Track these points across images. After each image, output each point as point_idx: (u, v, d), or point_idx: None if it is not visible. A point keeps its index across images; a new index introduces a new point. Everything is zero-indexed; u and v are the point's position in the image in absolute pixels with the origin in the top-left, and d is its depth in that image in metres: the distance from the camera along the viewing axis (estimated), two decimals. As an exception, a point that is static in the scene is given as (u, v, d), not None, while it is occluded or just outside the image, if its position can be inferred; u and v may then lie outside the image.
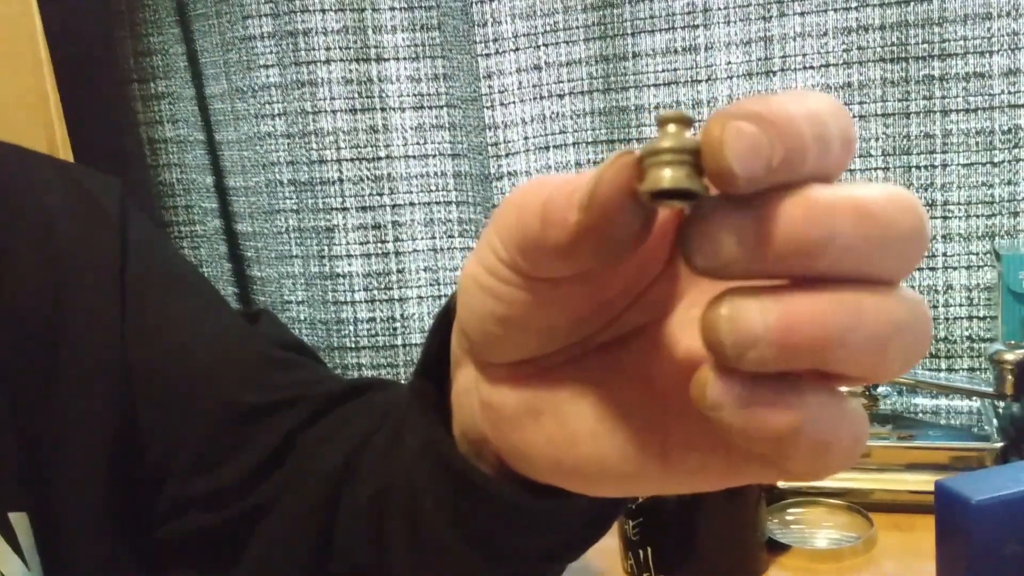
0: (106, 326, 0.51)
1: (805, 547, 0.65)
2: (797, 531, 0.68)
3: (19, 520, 0.48)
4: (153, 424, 0.51)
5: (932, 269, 0.87)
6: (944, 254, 0.87)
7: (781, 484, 0.71)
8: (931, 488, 0.69)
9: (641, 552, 0.62)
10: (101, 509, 0.50)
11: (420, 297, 0.98)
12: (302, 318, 1.01)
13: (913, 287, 0.88)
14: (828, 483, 0.71)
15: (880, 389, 0.78)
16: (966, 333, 0.88)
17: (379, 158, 0.95)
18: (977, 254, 0.86)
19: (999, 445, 0.69)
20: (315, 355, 0.58)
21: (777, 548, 0.65)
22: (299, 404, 0.50)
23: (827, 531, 0.68)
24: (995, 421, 0.72)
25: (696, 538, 0.63)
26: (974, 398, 0.76)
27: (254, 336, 0.54)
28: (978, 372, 0.88)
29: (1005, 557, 0.47)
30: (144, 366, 0.51)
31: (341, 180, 0.95)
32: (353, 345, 0.99)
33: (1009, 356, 0.71)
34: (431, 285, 0.97)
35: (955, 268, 0.87)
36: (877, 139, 0.86)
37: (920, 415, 0.83)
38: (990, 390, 0.73)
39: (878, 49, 0.85)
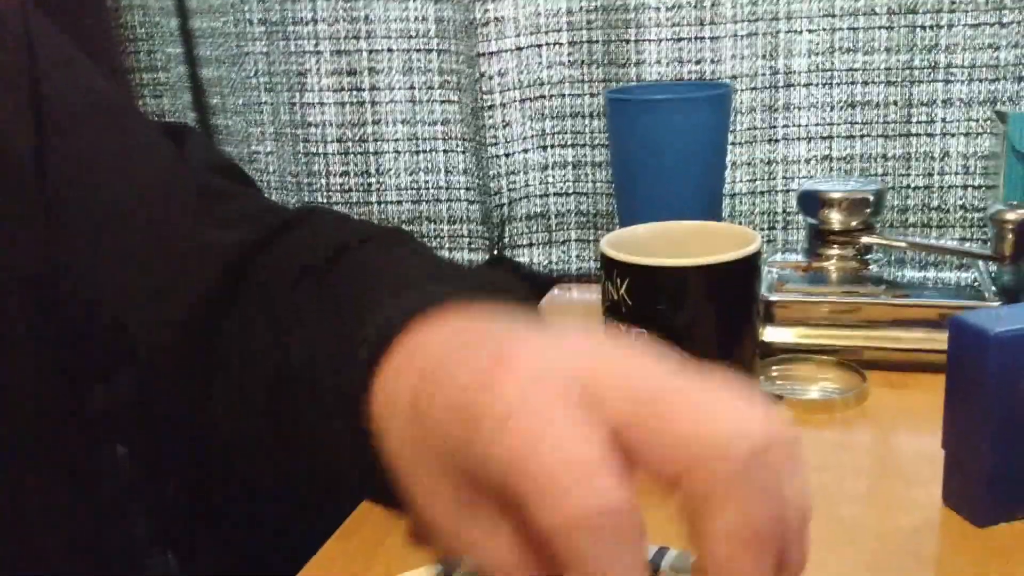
0: (20, 158, 0.45)
1: (797, 398, 0.64)
2: (788, 385, 0.66)
3: None
4: (81, 263, 0.46)
5: (930, 135, 0.85)
6: (943, 119, 0.84)
7: (771, 340, 0.69)
8: (924, 346, 0.68)
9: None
10: (28, 364, 0.47)
11: (397, 152, 0.93)
12: (271, 170, 0.96)
13: (909, 154, 0.85)
14: (819, 340, 0.69)
15: (869, 255, 0.76)
16: (960, 202, 0.86)
17: (357, -2, 0.89)
18: (977, 120, 0.83)
19: (996, 304, 0.67)
20: (247, 177, 0.54)
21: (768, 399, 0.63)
22: (237, 238, 0.47)
23: (818, 385, 0.66)
24: (992, 286, 0.70)
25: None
26: (965, 270, 0.75)
27: (185, 163, 0.50)
28: (969, 243, 0.86)
29: (1021, 392, 0.46)
30: (68, 199, 0.46)
31: (315, 20, 0.89)
32: (325, 200, 0.94)
33: (1010, 216, 0.69)
34: (409, 139, 0.93)
35: (953, 135, 0.84)
36: (883, -6, 0.82)
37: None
38: (988, 252, 0.71)
39: (890, -101, 0.80)
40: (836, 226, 0.74)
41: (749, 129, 0.87)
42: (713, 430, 0.24)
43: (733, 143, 0.86)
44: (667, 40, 0.84)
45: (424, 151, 0.93)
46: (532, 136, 0.90)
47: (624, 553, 0.23)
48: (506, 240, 0.92)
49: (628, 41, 0.85)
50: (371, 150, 0.93)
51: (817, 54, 0.84)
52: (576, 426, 0.24)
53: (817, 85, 0.85)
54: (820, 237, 0.75)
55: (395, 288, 0.38)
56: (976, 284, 0.72)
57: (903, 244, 0.75)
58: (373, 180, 0.94)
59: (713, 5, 0.83)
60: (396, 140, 0.93)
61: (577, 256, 0.93)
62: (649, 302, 0.59)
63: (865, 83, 0.84)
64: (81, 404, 0.50)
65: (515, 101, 0.88)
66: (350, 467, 0.35)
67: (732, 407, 0.25)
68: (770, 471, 0.24)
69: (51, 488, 0.49)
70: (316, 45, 0.90)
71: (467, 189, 0.93)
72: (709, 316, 0.59)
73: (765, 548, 0.24)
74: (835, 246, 0.75)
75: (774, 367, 0.68)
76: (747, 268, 0.60)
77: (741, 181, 0.88)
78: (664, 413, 0.24)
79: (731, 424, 0.24)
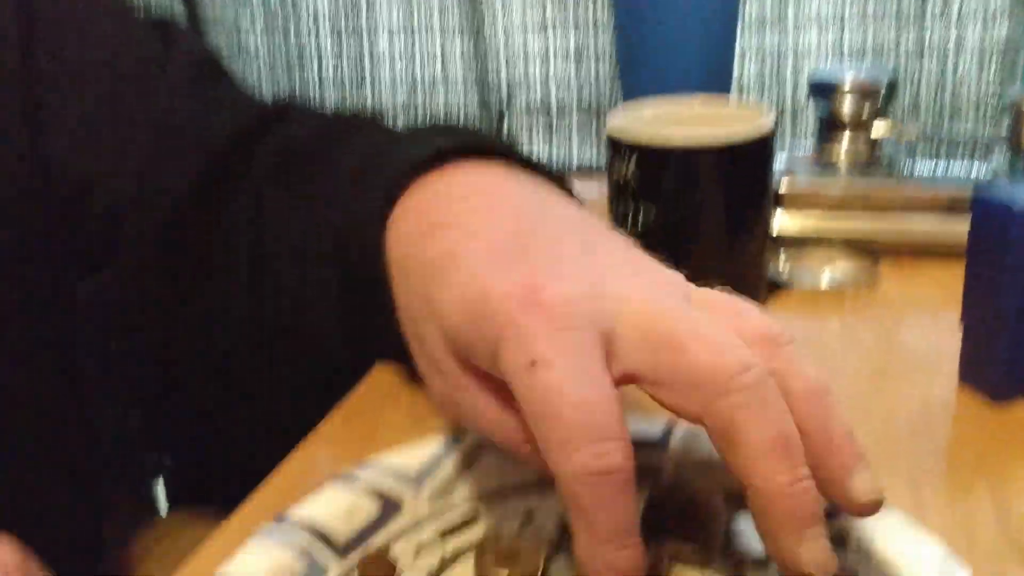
0: (8, 46, 0.45)
1: (807, 286, 0.62)
2: (798, 271, 0.64)
3: None
4: (70, 151, 0.46)
5: (945, 22, 0.81)
6: (960, 5, 0.81)
7: (781, 227, 0.67)
8: (938, 232, 0.66)
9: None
10: (15, 261, 0.46)
11: (391, 39, 0.90)
12: (261, 61, 0.93)
13: (923, 41, 0.82)
14: (829, 226, 0.67)
15: (881, 145, 0.73)
16: (973, 96, 0.83)
17: None
18: (995, 6, 0.80)
19: (1012, 191, 0.65)
20: (230, 73, 0.54)
21: (777, 287, 0.62)
22: (226, 129, 0.47)
23: (829, 271, 0.64)
24: (1008, 176, 0.68)
25: (696, 272, 0.59)
26: (980, 160, 0.72)
27: (172, 57, 0.49)
28: (985, 132, 0.84)
29: (1045, 267, 0.44)
30: (58, 86, 0.46)
31: None
32: (317, 90, 0.92)
33: (1031, 103, 0.66)
34: (404, 27, 0.89)
35: (968, 23, 0.81)
36: None
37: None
38: (1004, 140, 0.69)
39: None
40: (847, 115, 0.72)
41: (759, 18, 0.84)
42: (723, 366, 0.26)
43: (742, 31, 0.83)
44: (675, -81, 0.81)
45: (420, 39, 0.90)
46: (533, 22, 0.87)
47: (617, 501, 0.25)
48: (505, 131, 0.90)
49: (634, -80, 0.81)
50: (364, 37, 0.89)
51: (831, -64, 0.81)
52: (596, 385, 0.26)
53: (830, -31, 0.82)
54: (831, 126, 0.73)
55: (404, 141, 0.37)
56: (991, 175, 0.70)
57: (915, 133, 0.73)
58: (367, 69, 0.90)
59: None
60: (391, 27, 0.89)
61: (579, 148, 0.90)
62: (657, 183, 0.57)
63: (880, -33, 0.81)
64: (70, 302, 0.49)
65: (515, -14, 0.85)
66: (364, 326, 0.36)
67: (736, 336, 0.27)
68: (780, 377, 0.27)
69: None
70: (307, -76, 0.86)
71: (464, 79, 0.90)
72: (719, 199, 0.57)
73: (793, 449, 0.26)
74: (846, 135, 0.73)
75: (784, 254, 0.66)
76: (761, 149, 0.58)
77: (750, 72, 0.85)
78: (678, 358, 0.27)
79: (737, 355, 0.26)
